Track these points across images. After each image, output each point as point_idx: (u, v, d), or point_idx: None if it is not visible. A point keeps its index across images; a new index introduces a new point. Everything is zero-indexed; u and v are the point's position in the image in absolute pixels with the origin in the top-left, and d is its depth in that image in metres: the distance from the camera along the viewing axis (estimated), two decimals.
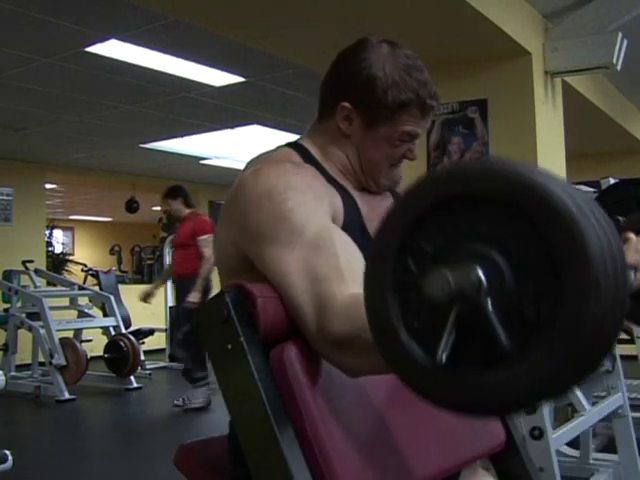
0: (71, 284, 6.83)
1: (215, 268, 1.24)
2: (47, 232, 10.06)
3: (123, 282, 9.11)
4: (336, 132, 1.17)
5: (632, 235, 1.10)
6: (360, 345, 0.85)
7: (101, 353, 6.09)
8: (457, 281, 0.63)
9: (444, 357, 0.65)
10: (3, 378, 2.76)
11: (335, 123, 1.17)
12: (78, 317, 6.61)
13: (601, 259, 0.59)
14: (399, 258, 0.69)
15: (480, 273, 0.63)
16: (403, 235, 0.69)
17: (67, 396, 5.45)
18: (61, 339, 5.69)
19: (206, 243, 4.76)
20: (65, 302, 6.70)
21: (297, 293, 0.94)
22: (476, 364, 0.65)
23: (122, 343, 5.95)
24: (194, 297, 4.70)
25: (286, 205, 0.98)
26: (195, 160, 8.54)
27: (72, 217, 14.98)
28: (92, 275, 8.11)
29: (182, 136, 7.26)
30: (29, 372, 6.42)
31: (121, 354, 5.91)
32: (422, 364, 0.67)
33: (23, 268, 6.98)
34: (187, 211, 5.11)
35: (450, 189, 0.67)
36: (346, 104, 1.15)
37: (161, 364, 7.52)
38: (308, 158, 1.16)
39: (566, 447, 3.01)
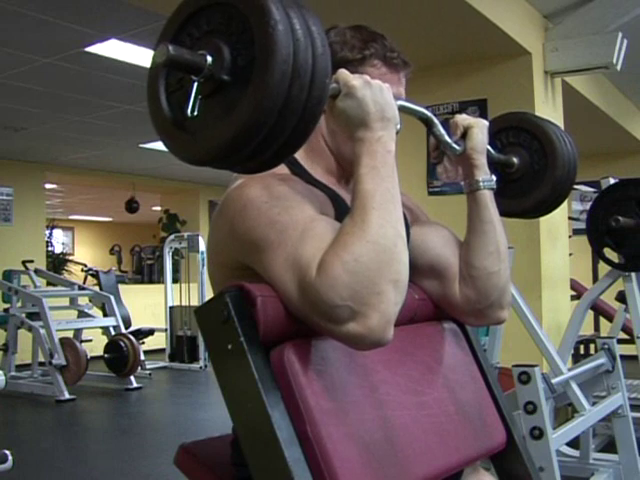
0: (71, 284, 6.83)
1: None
2: (47, 232, 10.06)
3: (123, 282, 9.10)
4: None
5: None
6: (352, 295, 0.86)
7: (101, 353, 6.08)
8: (176, 52, 0.81)
9: (171, 116, 0.89)
10: (3, 378, 2.75)
11: None
12: (78, 317, 6.61)
13: (285, 45, 0.79)
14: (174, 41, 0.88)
15: (201, 54, 0.83)
16: (176, 30, 0.90)
17: (67, 396, 5.45)
18: (61, 339, 5.69)
19: None
20: (65, 302, 6.70)
21: (286, 287, 0.92)
22: (183, 127, 0.88)
23: (122, 343, 5.95)
24: None
25: (273, 210, 0.97)
26: None
27: (72, 217, 14.98)
28: (92, 275, 8.11)
29: None
30: (29, 372, 6.42)
31: (121, 354, 5.90)
32: (167, 121, 0.90)
33: (23, 268, 6.99)
34: None
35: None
36: None
37: (161, 364, 7.52)
38: (293, 165, 1.15)
39: (566, 447, 3.01)
